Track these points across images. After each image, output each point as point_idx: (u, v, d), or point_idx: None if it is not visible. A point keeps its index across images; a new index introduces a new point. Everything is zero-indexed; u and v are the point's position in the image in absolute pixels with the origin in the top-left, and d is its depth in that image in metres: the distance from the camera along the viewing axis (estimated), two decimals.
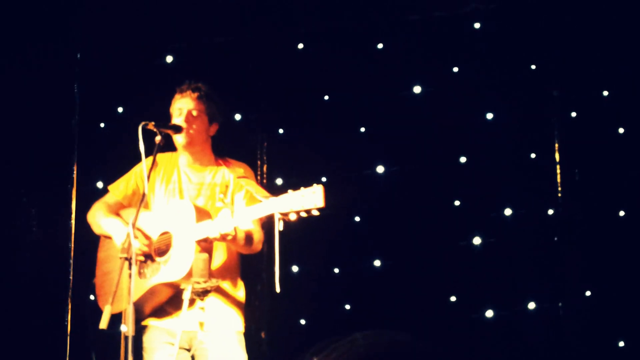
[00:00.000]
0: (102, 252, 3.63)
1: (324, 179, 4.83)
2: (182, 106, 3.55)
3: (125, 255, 3.12)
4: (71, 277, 4.30)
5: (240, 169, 3.55)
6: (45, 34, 4.52)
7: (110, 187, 3.68)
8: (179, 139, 3.53)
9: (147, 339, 3.43)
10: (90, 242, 3.78)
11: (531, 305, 4.46)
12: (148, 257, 3.41)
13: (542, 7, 4.53)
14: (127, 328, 3.08)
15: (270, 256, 4.51)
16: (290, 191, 3.04)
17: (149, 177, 3.31)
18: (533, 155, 4.56)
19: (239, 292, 3.53)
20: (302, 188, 3.02)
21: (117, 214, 3.59)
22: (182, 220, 3.34)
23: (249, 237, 3.36)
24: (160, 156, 3.60)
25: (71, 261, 4.53)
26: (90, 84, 4.95)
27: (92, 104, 4.94)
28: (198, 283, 3.08)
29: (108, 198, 3.64)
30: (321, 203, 2.97)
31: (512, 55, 4.56)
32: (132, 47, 5.00)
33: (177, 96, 3.61)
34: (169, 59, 5.04)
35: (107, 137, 4.96)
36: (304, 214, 3.00)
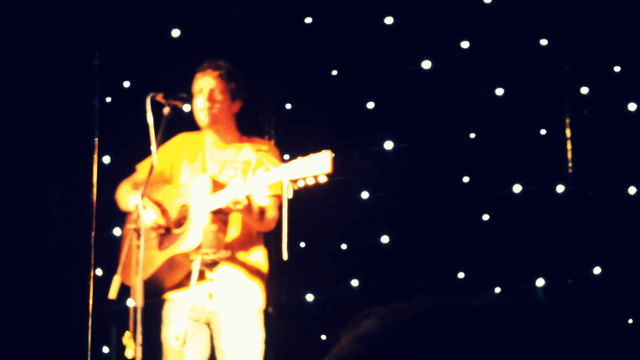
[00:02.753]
0: (128, 226, 3.62)
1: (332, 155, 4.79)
2: (204, 85, 3.53)
3: (134, 226, 3.11)
4: (92, 255, 4.25)
5: (264, 145, 3.54)
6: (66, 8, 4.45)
7: (138, 166, 3.67)
8: (201, 118, 3.51)
9: (165, 312, 3.43)
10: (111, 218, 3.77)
11: (540, 282, 4.44)
12: (167, 229, 3.41)
13: None
14: (136, 300, 3.07)
15: (278, 231, 4.49)
16: (299, 157, 3.02)
17: (158, 148, 3.29)
18: (543, 131, 4.52)
19: (260, 261, 3.49)
20: (311, 154, 3.00)
21: (147, 195, 3.57)
22: (199, 192, 3.34)
23: (262, 211, 3.34)
24: (187, 135, 3.61)
25: (92, 241, 4.47)
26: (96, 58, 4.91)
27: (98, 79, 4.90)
28: (207, 254, 3.07)
29: (135, 176, 3.65)
30: (328, 168, 2.94)
31: (522, 29, 4.51)
32: (138, 21, 4.95)
33: (198, 75, 3.58)
34: (176, 32, 5.00)
35: (114, 111, 4.93)
36: (311, 180, 2.98)
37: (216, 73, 3.52)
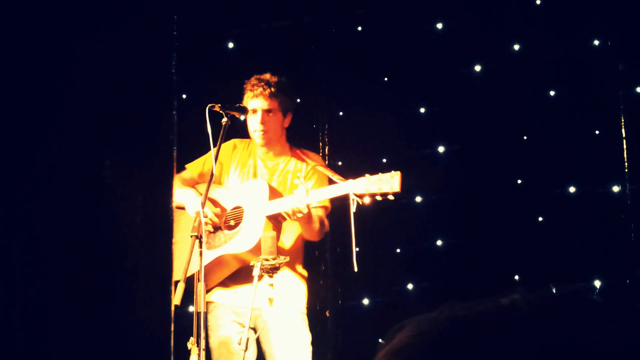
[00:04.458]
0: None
1: (384, 160, 4.85)
2: (256, 107, 3.59)
3: (195, 233, 3.21)
4: (172, 262, 4.34)
5: (311, 159, 3.61)
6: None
7: (187, 165, 3.78)
8: (257, 140, 3.60)
9: (212, 317, 3.52)
10: None
11: (597, 284, 4.41)
12: (217, 228, 3.50)
13: None
14: (198, 305, 3.16)
15: (333, 238, 4.56)
16: (367, 175, 3.10)
17: (217, 159, 3.39)
18: (597, 132, 4.49)
19: (302, 266, 3.60)
20: (379, 173, 3.08)
21: (194, 187, 3.69)
22: (255, 196, 3.42)
23: (321, 221, 3.42)
24: (239, 141, 3.71)
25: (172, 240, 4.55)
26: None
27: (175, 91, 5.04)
28: (267, 260, 3.14)
29: (184, 174, 3.75)
30: (397, 188, 3.03)
31: (575, 30, 4.50)
32: (193, 35, 5.08)
33: (249, 93, 3.63)
34: (230, 45, 5.11)
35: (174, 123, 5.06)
36: (379, 198, 3.06)
37: (267, 93, 3.58)
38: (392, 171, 3.09)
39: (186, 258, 3.24)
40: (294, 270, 3.54)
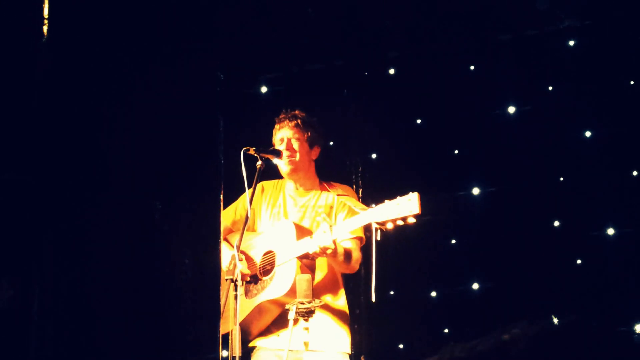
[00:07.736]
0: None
1: None
2: (282, 135, 3.65)
3: (230, 277, 3.20)
4: (220, 313, 4.32)
5: (341, 190, 3.60)
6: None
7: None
8: (283, 167, 3.61)
9: None
10: None
11: (638, 328, 4.31)
12: (254, 277, 3.48)
13: (638, 21, 4.44)
14: (234, 349, 3.13)
15: (367, 281, 4.52)
16: (386, 201, 3.04)
17: (251, 201, 3.39)
18: (635, 172, 4.44)
19: (345, 304, 3.52)
20: (397, 197, 3.02)
21: (225, 239, 3.69)
22: (283, 238, 3.40)
23: (347, 254, 3.38)
24: (268, 182, 3.72)
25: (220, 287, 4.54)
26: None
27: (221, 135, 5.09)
28: (302, 303, 3.10)
29: None
30: (417, 209, 2.94)
31: (609, 71, 4.47)
32: (226, 78, 5.14)
33: (277, 126, 3.70)
34: (263, 89, 5.16)
35: None
36: (400, 222, 2.99)
37: (292, 123, 3.64)
38: (410, 193, 3.01)
39: (222, 302, 3.22)
40: (335, 307, 3.48)
